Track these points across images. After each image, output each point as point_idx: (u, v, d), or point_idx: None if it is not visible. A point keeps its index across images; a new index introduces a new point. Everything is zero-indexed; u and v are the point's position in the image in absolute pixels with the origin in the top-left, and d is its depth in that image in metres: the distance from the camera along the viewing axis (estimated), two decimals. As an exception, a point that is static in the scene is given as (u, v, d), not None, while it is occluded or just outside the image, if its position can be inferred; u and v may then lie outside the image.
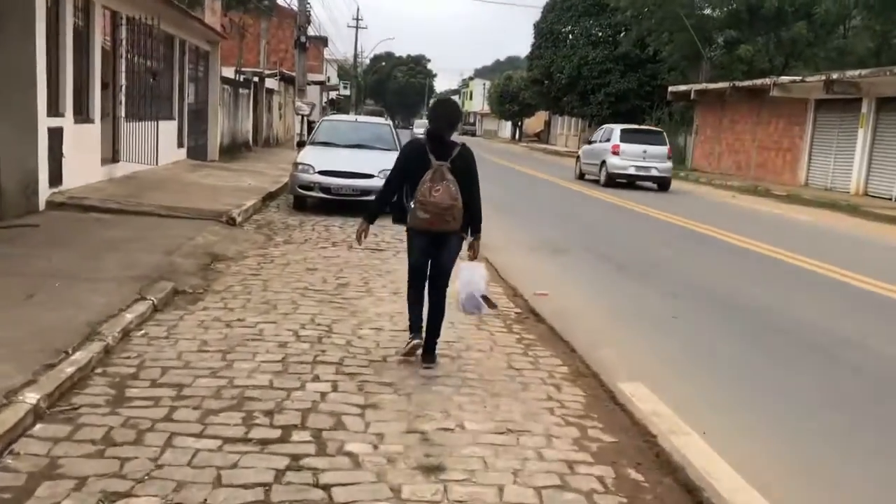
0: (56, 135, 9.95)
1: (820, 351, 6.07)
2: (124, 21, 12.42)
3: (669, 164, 21.75)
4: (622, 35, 42.70)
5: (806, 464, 4.05)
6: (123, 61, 12.57)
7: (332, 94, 64.22)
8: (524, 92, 58.11)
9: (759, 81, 26.91)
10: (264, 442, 3.72)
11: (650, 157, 21.29)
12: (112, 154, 12.65)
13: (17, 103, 9.12)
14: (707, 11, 36.17)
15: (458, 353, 5.33)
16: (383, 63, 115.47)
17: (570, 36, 46.83)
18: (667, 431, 4.14)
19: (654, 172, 21.32)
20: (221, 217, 10.11)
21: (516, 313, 6.60)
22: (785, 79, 25.34)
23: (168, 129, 16.15)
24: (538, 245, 10.28)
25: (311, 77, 42.94)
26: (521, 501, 3.32)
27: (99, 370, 4.55)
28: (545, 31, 48.47)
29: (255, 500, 3.18)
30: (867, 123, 22.08)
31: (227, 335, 5.37)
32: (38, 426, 3.73)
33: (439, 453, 3.70)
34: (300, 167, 12.25)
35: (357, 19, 67.81)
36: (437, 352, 5.14)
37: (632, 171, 21.23)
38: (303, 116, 24.88)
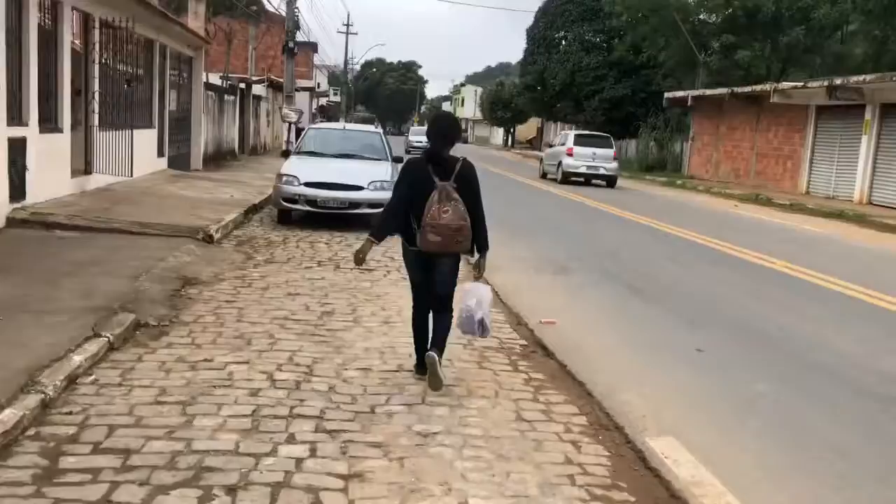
0: (18, 145, 9.19)
1: (869, 396, 5.35)
2: (97, 23, 11.67)
3: (615, 164, 25.17)
4: (616, 41, 42.17)
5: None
6: (97, 66, 11.81)
7: (323, 101, 63.50)
8: (517, 98, 57.56)
9: (758, 87, 26.36)
10: (222, 534, 2.99)
11: (599, 158, 24.74)
12: (84, 165, 11.88)
13: (-26, 111, 8.37)
14: (703, 17, 35.68)
15: (458, 399, 4.61)
16: (374, 69, 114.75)
17: (564, 42, 46.31)
18: (713, 507, 3.44)
19: (602, 171, 24.75)
20: (198, 234, 9.37)
21: (521, 346, 5.88)
22: (786, 85, 24.78)
23: (147, 137, 15.40)
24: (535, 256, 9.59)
25: (301, 83, 42.22)
26: None
27: (31, 431, 3.81)
28: (538, 37, 47.92)
29: None
30: (871, 130, 21.52)
31: (191, 381, 4.63)
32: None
33: (440, 547, 2.98)
34: (284, 178, 11.51)
35: (347, 25, 67.00)
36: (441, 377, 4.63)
37: (583, 169, 24.67)
38: (290, 124, 24.10)
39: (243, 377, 4.75)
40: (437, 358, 4.61)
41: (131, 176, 12.21)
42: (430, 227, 4.54)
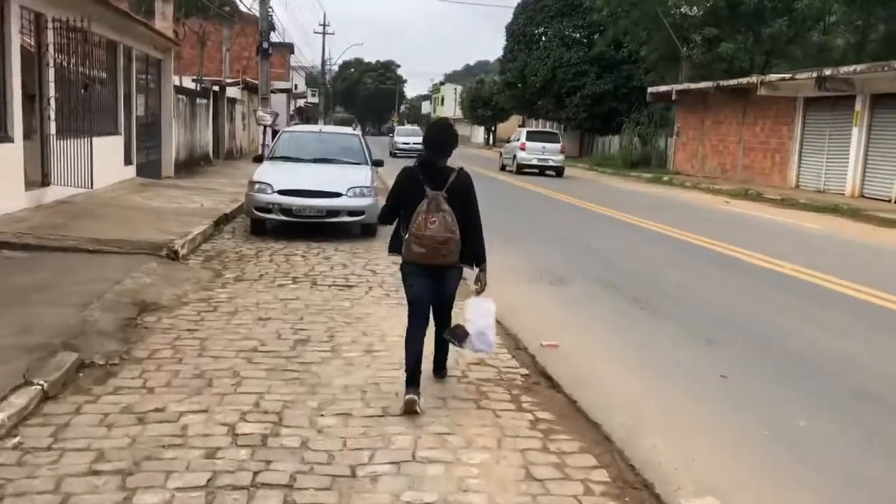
0: (-40, 158, 8.38)
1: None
2: (50, 23, 10.84)
3: (562, 157, 28.84)
4: (597, 36, 41.63)
5: None
6: (52, 69, 10.98)
7: (301, 103, 62.51)
8: (497, 96, 56.86)
9: (744, 80, 25.86)
10: None
11: (547, 152, 28.43)
12: (41, 177, 11.05)
13: None
14: (684, 9, 35.18)
15: (455, 453, 3.90)
16: (352, 69, 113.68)
17: (544, 38, 45.71)
18: None
19: (550, 163, 28.34)
20: (161, 250, 8.59)
21: (523, 376, 5.18)
22: (774, 76, 24.28)
23: (112, 145, 14.56)
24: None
25: (277, 85, 41.32)
26: None
27: (-73, 521, 3.07)
28: (517, 34, 47.28)
29: None
30: (862, 121, 21.04)
31: (136, 439, 3.89)
32: None
33: None
34: (256, 186, 10.74)
35: (324, 25, 66.03)
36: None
37: (535, 161, 28.39)
38: (265, 126, 23.27)
39: (199, 431, 4.01)
40: (416, 400, 4.38)
41: (92, 187, 11.38)
42: (415, 237, 4.40)
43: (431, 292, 4.57)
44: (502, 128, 72.18)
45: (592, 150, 45.50)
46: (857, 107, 21.10)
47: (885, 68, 19.06)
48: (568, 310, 7.32)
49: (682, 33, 33.45)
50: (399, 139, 41.13)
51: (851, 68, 20.74)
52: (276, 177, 10.86)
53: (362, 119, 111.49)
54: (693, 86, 29.45)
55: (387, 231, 5.20)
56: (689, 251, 11.07)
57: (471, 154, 44.93)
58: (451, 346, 4.84)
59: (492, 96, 61.44)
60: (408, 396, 4.35)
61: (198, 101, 23.63)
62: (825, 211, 18.08)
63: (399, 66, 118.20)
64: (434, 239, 4.36)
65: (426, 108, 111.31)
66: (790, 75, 23.39)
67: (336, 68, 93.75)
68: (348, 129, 14.79)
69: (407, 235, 4.44)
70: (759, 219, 16.29)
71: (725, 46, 30.84)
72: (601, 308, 7.40)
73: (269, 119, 22.86)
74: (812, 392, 5.18)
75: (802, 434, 4.44)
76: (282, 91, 44.85)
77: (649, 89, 33.12)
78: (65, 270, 7.37)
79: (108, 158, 13.99)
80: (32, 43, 10.84)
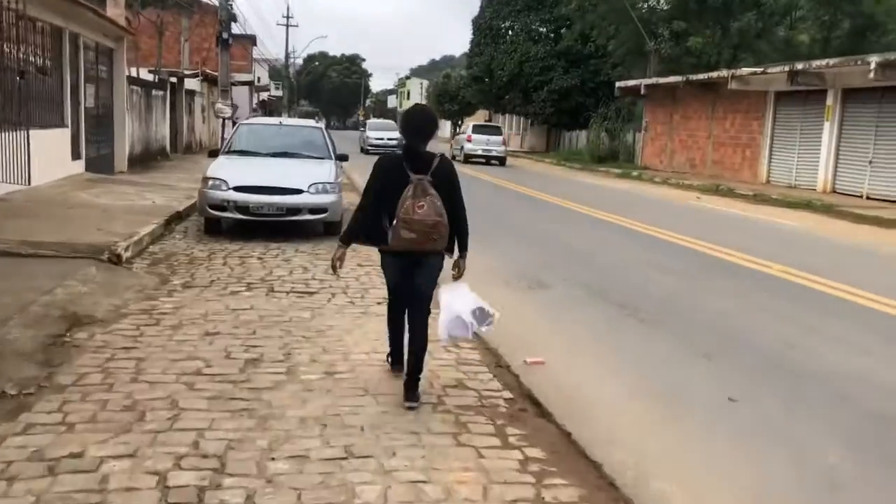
0: None
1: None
2: (-21, 5, 9.94)
3: (503, 148, 32.47)
4: (564, 30, 41.20)
5: None
6: (-19, 56, 10.08)
7: (264, 95, 61.25)
8: (464, 90, 56.19)
9: (714, 74, 25.56)
10: None
11: (491, 144, 32.10)
12: (-28, 172, 10.15)
13: None
14: (652, 3, 34.90)
15: (433, 507, 3.25)
16: (317, 63, 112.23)
17: (510, 32, 45.12)
18: None
19: (494, 153, 31.90)
20: (102, 253, 7.79)
21: (507, 401, 4.55)
22: (745, 70, 23.97)
23: (56, 138, 13.63)
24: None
25: (238, 77, 40.29)
26: None
27: None
28: (484, 27, 46.61)
29: None
30: (833, 116, 20.80)
31: (40, 497, 3.17)
32: None
33: None
34: (210, 182, 9.96)
35: (287, 17, 64.73)
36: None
37: (480, 152, 31.82)
38: (224, 119, 22.35)
39: (122, 484, 3.30)
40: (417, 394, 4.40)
41: (29, 184, 10.50)
42: (404, 222, 4.24)
43: (415, 280, 4.47)
44: (469, 122, 71.63)
45: (559, 146, 45.14)
46: (829, 101, 20.85)
47: (859, 62, 18.80)
48: (551, 318, 6.71)
49: (650, 27, 33.15)
50: (372, 134, 37.06)
51: (824, 62, 20.49)
52: (232, 172, 10.10)
53: (327, 113, 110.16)
54: (662, 80, 29.11)
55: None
56: (669, 250, 10.55)
57: (433, 147, 44.13)
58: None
59: (458, 91, 60.80)
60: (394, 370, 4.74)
61: (154, 92, 22.62)
62: (798, 207, 17.78)
63: (364, 59, 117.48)
64: (424, 223, 4.23)
65: (392, 102, 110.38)
66: (761, 69, 23.08)
67: (300, 61, 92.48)
68: (310, 122, 14.00)
69: (395, 222, 4.26)
70: (733, 215, 15.89)
71: (694, 41, 30.61)
72: (586, 316, 6.80)
73: (228, 112, 21.94)
74: (832, 418, 4.62)
75: (836, 474, 3.85)
76: (243, 83, 43.80)
77: (618, 83, 32.78)
78: (-13, 278, 6.57)
79: (52, 152, 13.08)
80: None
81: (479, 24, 47.46)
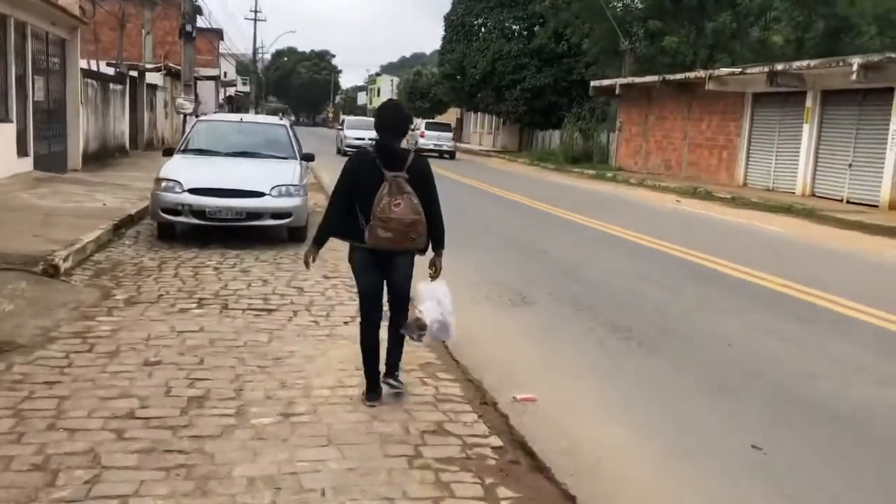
0: None
1: None
2: None
3: (453, 143, 36.72)
4: (538, 28, 40.67)
5: None
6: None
7: (231, 91, 59.93)
8: (435, 88, 55.45)
9: (691, 74, 25.12)
10: None
11: (441, 139, 36.16)
12: None
13: None
14: (627, 2, 34.50)
15: None
16: (286, 58, 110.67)
17: (483, 29, 44.48)
18: None
19: (444, 147, 35.66)
20: (36, 264, 6.97)
21: (495, 449, 3.87)
22: (723, 71, 23.57)
23: (1, 134, 12.68)
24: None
25: (204, 72, 39.17)
26: None
27: None
28: (456, 24, 45.90)
29: None
30: (812, 118, 20.44)
31: None
32: None
33: None
34: (164, 184, 9.15)
35: (255, 11, 63.44)
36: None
37: (431, 146, 34.75)
38: (185, 115, 21.40)
39: (11, 586, 2.57)
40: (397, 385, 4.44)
41: (-38, 184, 9.60)
42: (381, 221, 4.14)
43: (390, 279, 4.38)
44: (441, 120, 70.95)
45: (532, 145, 44.62)
46: (808, 103, 20.49)
47: (840, 63, 18.44)
48: (539, 341, 6.03)
49: (625, 26, 32.71)
50: (350, 133, 33.04)
51: (804, 63, 20.12)
52: (188, 173, 9.30)
53: (296, 109, 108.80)
54: (638, 80, 28.66)
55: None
56: (656, 259, 9.95)
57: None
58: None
59: (430, 88, 60.06)
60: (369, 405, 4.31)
61: (112, 86, 21.59)
62: (779, 211, 17.35)
63: (334, 55, 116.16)
64: (402, 222, 4.14)
65: (362, 98, 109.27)
66: (739, 70, 22.69)
67: (269, 57, 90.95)
68: (274, 119, 13.17)
69: (371, 221, 4.15)
70: (715, 219, 15.38)
71: (669, 40, 30.21)
72: (577, 339, 6.13)
73: (189, 107, 20.97)
74: (881, 474, 3.98)
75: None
76: (209, 78, 42.62)
77: (592, 83, 32.29)
78: None
79: (-7, 149, 12.17)
80: None
81: (451, 21, 46.74)
